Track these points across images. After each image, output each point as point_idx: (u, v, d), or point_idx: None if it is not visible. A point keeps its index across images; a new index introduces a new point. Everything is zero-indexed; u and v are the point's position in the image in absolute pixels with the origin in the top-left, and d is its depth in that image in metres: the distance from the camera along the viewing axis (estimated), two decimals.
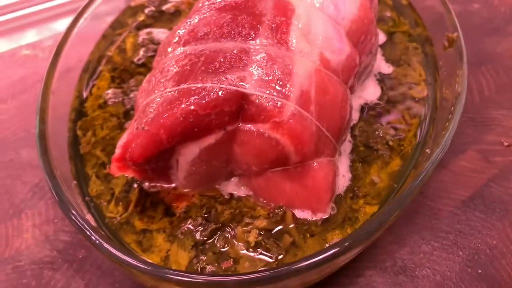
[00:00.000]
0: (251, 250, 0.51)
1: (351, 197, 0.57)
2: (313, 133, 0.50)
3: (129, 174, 0.53)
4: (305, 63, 0.52)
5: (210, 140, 0.50)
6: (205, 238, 0.52)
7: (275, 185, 0.53)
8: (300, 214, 0.54)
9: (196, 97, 0.48)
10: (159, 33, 0.80)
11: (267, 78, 0.50)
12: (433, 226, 0.64)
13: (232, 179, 0.57)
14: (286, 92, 0.49)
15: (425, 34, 0.78)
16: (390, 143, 0.62)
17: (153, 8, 0.84)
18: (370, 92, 0.69)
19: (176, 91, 0.49)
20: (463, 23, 0.84)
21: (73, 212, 0.48)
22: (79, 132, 0.65)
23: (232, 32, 0.53)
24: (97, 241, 0.45)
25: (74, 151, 0.63)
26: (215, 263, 0.51)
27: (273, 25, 0.54)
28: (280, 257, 0.51)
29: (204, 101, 0.48)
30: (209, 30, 0.54)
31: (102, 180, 0.60)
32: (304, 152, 0.50)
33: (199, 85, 0.49)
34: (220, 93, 0.48)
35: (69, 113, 0.68)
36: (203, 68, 0.50)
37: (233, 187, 0.57)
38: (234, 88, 0.49)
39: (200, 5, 0.60)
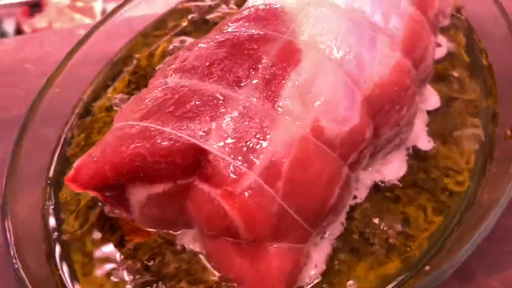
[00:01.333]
0: None
1: None
2: (272, 214, 0.42)
3: (91, 193, 0.50)
4: (289, 128, 0.44)
5: (158, 189, 0.44)
6: None
7: (225, 254, 0.46)
8: None
9: (149, 140, 0.42)
10: None
11: (235, 137, 0.43)
12: None
13: (191, 230, 0.51)
14: (251, 160, 0.42)
15: (494, 110, 0.64)
16: (391, 240, 0.51)
17: (197, 15, 0.80)
18: (393, 168, 0.57)
19: (135, 127, 0.44)
20: None
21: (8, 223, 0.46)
22: (75, 131, 0.64)
23: (220, 73, 0.47)
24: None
25: (62, 150, 0.62)
26: None
27: (267, 76, 0.46)
28: None
29: (155, 148, 0.42)
30: (199, 64, 0.48)
31: None
32: (256, 233, 0.42)
33: (158, 127, 0.43)
34: (175, 142, 0.42)
35: (74, 106, 0.67)
36: (171, 107, 0.45)
37: (190, 239, 0.51)
38: (193, 140, 0.42)
39: (214, 32, 0.55)
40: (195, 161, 0.43)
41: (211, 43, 0.50)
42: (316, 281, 0.48)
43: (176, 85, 0.47)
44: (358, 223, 0.53)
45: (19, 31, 1.79)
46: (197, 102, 0.44)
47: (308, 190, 0.44)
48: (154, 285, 0.48)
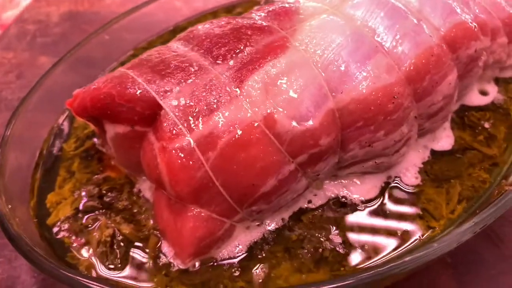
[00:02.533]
0: (99, 243, 0.51)
1: (230, 272, 0.50)
2: (195, 178, 0.45)
3: (89, 123, 0.59)
4: (241, 110, 0.47)
5: (119, 129, 0.50)
6: (85, 209, 0.55)
7: (159, 206, 0.51)
8: (166, 248, 0.51)
9: (121, 84, 0.49)
10: None
11: (189, 102, 0.47)
12: None
13: None
14: (193, 125, 0.46)
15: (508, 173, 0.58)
16: (325, 253, 0.51)
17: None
18: (362, 189, 0.56)
19: (121, 73, 0.51)
20: None
21: None
22: None
23: (208, 47, 0.51)
24: None
25: None
26: (73, 235, 0.53)
27: (246, 60, 0.49)
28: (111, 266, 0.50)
29: (122, 91, 0.48)
30: (198, 36, 0.53)
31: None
32: (177, 190, 0.46)
33: (134, 76, 0.49)
34: (139, 91, 0.48)
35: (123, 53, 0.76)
36: (154, 64, 0.50)
37: (146, 186, 0.56)
38: (153, 93, 0.47)
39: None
40: (152, 113, 0.48)
41: (220, 22, 0.54)
42: (231, 260, 0.50)
43: (170, 49, 0.53)
44: (301, 226, 0.53)
45: None
46: (175, 65, 0.49)
47: (239, 170, 0.46)
48: (96, 211, 0.54)
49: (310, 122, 0.48)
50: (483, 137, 0.63)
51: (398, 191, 0.57)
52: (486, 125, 0.64)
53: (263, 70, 0.48)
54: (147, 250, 0.51)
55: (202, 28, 0.54)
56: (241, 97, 0.47)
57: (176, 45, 0.54)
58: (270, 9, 0.56)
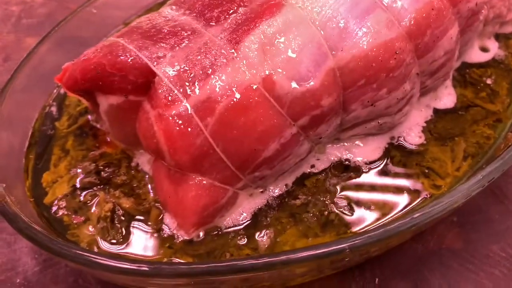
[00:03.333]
0: (99, 219, 0.50)
1: (236, 240, 0.49)
2: (194, 145, 0.44)
3: (80, 98, 0.57)
4: (238, 73, 0.45)
5: (113, 100, 0.49)
6: (82, 186, 0.53)
7: (158, 177, 0.50)
8: (168, 220, 0.49)
9: (112, 53, 0.47)
10: None
11: (184, 67, 0.45)
12: None
13: None
14: (189, 91, 0.44)
15: None
16: (331, 216, 0.50)
17: None
18: (366, 151, 0.55)
19: (110, 42, 0.49)
20: None
21: None
22: None
23: (200, 10, 0.49)
24: None
25: None
26: (72, 213, 0.51)
27: (240, 21, 0.47)
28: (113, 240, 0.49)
29: (113, 60, 0.46)
30: (190, 0, 0.51)
31: None
32: (176, 158, 0.45)
33: (124, 44, 0.47)
34: (131, 58, 0.46)
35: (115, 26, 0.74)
36: (145, 30, 0.48)
37: (145, 160, 0.55)
38: (145, 60, 0.46)
39: None
40: (146, 81, 0.46)
41: None
42: (236, 228, 0.49)
43: (161, 14, 0.50)
44: (305, 191, 0.52)
45: None
46: (167, 30, 0.47)
47: (240, 135, 0.45)
48: (94, 187, 0.53)
49: (311, 83, 0.46)
50: (486, 93, 0.62)
51: (402, 151, 0.56)
52: (488, 81, 0.63)
53: (259, 30, 0.47)
54: (149, 223, 0.50)
55: None
56: (238, 59, 0.45)
57: (167, 11, 0.52)
58: None
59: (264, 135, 0.45)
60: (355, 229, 0.50)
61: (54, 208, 0.52)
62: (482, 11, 0.58)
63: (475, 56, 0.65)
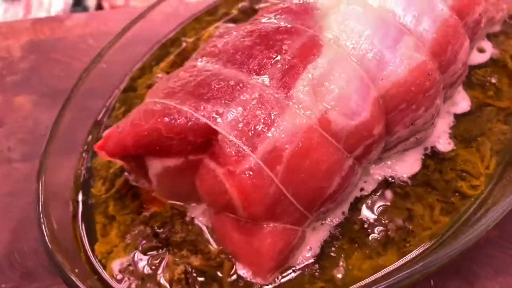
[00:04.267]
0: (172, 283, 0.50)
1: (310, 276, 0.50)
2: (267, 195, 0.45)
3: (118, 162, 0.56)
4: (296, 117, 0.46)
5: (171, 163, 0.49)
6: (144, 252, 0.53)
7: (225, 229, 0.50)
8: (241, 270, 0.50)
9: (166, 117, 0.47)
10: None
11: (244, 121, 0.46)
12: None
13: (202, 204, 0.55)
14: (255, 143, 0.45)
15: None
16: (390, 233, 0.53)
17: (246, 4, 0.83)
18: (406, 166, 0.58)
19: (158, 104, 0.49)
20: None
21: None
22: (117, 104, 0.70)
23: (242, 60, 0.50)
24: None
25: (102, 119, 0.68)
26: (141, 281, 0.51)
27: (285, 67, 0.48)
28: None
29: (170, 124, 0.46)
30: (225, 50, 0.52)
31: None
32: (251, 211, 0.45)
33: (177, 106, 0.47)
34: (189, 120, 0.46)
35: (121, 81, 0.73)
36: (192, 89, 0.49)
37: (199, 213, 0.55)
38: (205, 120, 0.46)
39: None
40: (206, 140, 0.47)
41: (241, 32, 0.53)
42: (307, 262, 0.51)
43: (201, 69, 0.51)
44: (360, 214, 0.55)
45: (99, 7, 1.90)
46: (216, 86, 0.48)
47: (307, 177, 0.46)
48: (159, 250, 0.53)
49: (362, 115, 0.48)
50: (493, 92, 0.67)
51: (435, 159, 0.59)
52: (493, 80, 0.68)
53: (306, 73, 0.48)
54: (222, 277, 0.50)
55: (226, 40, 0.53)
56: (292, 104, 0.47)
57: (203, 64, 0.52)
58: (286, 9, 0.56)
59: (328, 173, 0.47)
60: (414, 241, 0.52)
61: (120, 280, 0.51)
62: (483, 19, 0.63)
63: (475, 58, 0.70)
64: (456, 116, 0.64)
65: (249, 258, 0.49)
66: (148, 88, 0.72)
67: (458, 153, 0.60)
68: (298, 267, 0.51)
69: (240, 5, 0.84)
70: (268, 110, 0.46)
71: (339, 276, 0.50)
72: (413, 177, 0.58)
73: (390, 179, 0.57)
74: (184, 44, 0.79)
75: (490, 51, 0.71)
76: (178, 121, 0.46)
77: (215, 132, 0.46)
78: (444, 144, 0.60)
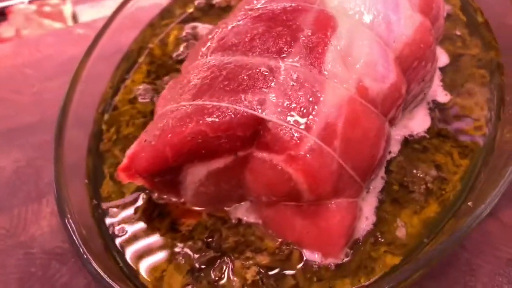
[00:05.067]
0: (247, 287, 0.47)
1: (372, 243, 0.51)
2: (332, 172, 0.44)
3: (138, 182, 0.51)
4: (337, 91, 0.46)
5: (219, 163, 0.46)
6: (202, 266, 0.49)
7: (285, 219, 0.48)
8: (309, 255, 0.49)
9: (208, 117, 0.44)
10: (204, 28, 0.77)
11: (289, 104, 0.45)
12: (467, 284, 0.56)
13: (243, 203, 0.53)
14: (308, 123, 0.44)
15: (497, 61, 0.68)
16: (429, 185, 0.55)
17: (203, 1, 0.81)
18: (418, 122, 0.61)
19: (190, 107, 0.45)
20: None
21: (69, 220, 0.46)
22: (104, 127, 0.64)
23: (263, 46, 0.48)
24: (85, 257, 0.43)
25: (94, 146, 0.62)
26: None
27: (309, 44, 0.48)
28: None
29: (215, 123, 0.44)
30: (239, 40, 0.50)
31: (115, 182, 0.58)
32: (319, 192, 0.44)
33: (214, 104, 0.44)
34: (234, 115, 0.44)
35: (98, 103, 0.67)
36: (222, 84, 0.46)
37: (243, 212, 0.53)
38: (251, 111, 0.44)
39: (238, 11, 0.56)
40: (254, 131, 0.45)
41: (247, 19, 0.51)
42: (368, 231, 0.51)
43: (221, 63, 0.48)
44: (396, 175, 0.56)
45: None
46: (246, 76, 0.46)
47: (360, 147, 0.46)
48: (220, 260, 0.49)
49: (390, 77, 0.50)
50: (460, 42, 0.72)
51: (440, 111, 0.63)
52: (457, 32, 0.73)
53: (332, 46, 0.48)
54: (294, 268, 0.49)
55: (234, 30, 0.51)
56: (328, 79, 0.47)
57: (219, 58, 0.50)
58: None
59: (376, 139, 0.48)
60: (449, 187, 0.55)
61: None
62: None
63: None
64: (440, 69, 0.68)
65: (318, 240, 0.48)
66: (130, 103, 0.67)
67: (455, 101, 0.64)
68: (361, 238, 0.51)
69: (196, 2, 0.81)
70: (308, 88, 0.45)
71: (400, 235, 0.51)
72: (427, 131, 0.60)
73: (408, 137, 0.60)
74: (147, 52, 0.74)
75: (445, 7, 0.77)
76: (223, 118, 0.44)
77: (262, 122, 0.44)
78: (442, 95, 0.64)
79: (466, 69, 0.68)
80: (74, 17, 1.54)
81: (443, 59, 0.69)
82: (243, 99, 0.44)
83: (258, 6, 0.53)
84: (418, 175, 0.56)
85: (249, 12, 0.52)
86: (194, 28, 0.76)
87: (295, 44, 0.48)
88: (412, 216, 0.53)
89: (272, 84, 0.45)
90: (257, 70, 0.46)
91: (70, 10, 1.93)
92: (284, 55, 0.47)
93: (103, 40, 0.69)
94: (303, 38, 0.48)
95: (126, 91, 0.69)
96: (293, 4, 0.51)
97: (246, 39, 0.49)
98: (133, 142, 0.60)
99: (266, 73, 0.46)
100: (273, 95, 0.45)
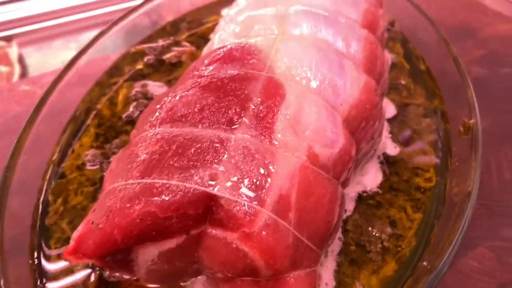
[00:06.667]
0: None
1: None
2: (289, 246, 0.44)
3: (88, 261, 0.48)
4: (289, 160, 0.46)
5: (171, 244, 0.44)
6: None
7: None
8: None
9: (157, 197, 0.42)
10: (155, 86, 0.75)
11: (242, 178, 0.44)
12: None
13: (200, 276, 0.51)
14: (262, 197, 0.43)
15: (442, 109, 0.71)
16: (385, 243, 0.55)
17: (152, 57, 0.80)
18: (371, 177, 0.62)
19: (138, 186, 0.44)
20: (488, 90, 0.77)
21: None
22: (50, 197, 0.61)
23: (212, 117, 0.48)
24: None
25: (39, 219, 0.58)
26: None
27: (259, 113, 0.48)
28: None
29: (165, 203, 0.42)
30: (188, 111, 0.49)
31: (63, 259, 0.54)
32: (276, 267, 0.43)
33: (163, 182, 0.43)
34: (184, 194, 0.42)
35: (45, 169, 0.64)
36: (172, 159, 0.45)
37: (200, 286, 0.51)
38: (202, 188, 0.43)
39: (188, 76, 0.55)
40: (205, 208, 0.43)
41: (195, 88, 0.50)
42: None
43: (170, 135, 0.47)
44: (353, 235, 0.56)
45: None
46: (196, 150, 0.45)
47: (315, 215, 0.46)
48: None
49: (340, 141, 0.50)
50: (406, 92, 0.75)
51: (390, 164, 0.64)
52: (402, 81, 0.76)
53: (281, 115, 0.48)
54: None
55: (183, 100, 0.50)
56: (279, 148, 0.46)
57: (167, 130, 0.48)
58: (227, 56, 0.55)
59: (330, 205, 0.48)
60: (405, 243, 0.56)
61: None
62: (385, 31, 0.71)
63: None
64: (388, 120, 0.70)
65: None
66: (79, 170, 0.64)
67: (405, 153, 0.66)
68: None
69: (146, 58, 0.80)
70: (259, 160, 0.45)
71: None
72: (380, 186, 0.61)
73: (362, 193, 0.60)
74: (95, 113, 0.72)
75: (389, 56, 0.80)
76: (173, 197, 0.42)
77: (215, 198, 0.43)
78: (391, 148, 0.66)
79: (413, 119, 0.70)
80: (21, 60, 1.49)
81: (390, 109, 0.71)
82: (193, 175, 0.43)
83: (207, 73, 0.53)
84: (374, 233, 0.56)
85: (198, 80, 0.52)
86: (144, 86, 0.74)
87: (245, 114, 0.48)
88: (370, 276, 0.53)
89: (224, 157, 0.45)
90: (207, 143, 0.45)
91: (16, 53, 1.86)
92: (235, 126, 0.47)
93: (51, 99, 0.66)
94: (253, 107, 0.48)
95: (74, 156, 0.66)
96: (241, 72, 0.51)
97: (196, 110, 0.48)
98: (81, 214, 0.58)
99: (217, 146, 0.45)
100: (225, 169, 0.44)
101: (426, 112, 0.72)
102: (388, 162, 0.64)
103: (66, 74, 0.68)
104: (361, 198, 0.60)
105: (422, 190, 0.61)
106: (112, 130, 0.68)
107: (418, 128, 0.69)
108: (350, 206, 0.58)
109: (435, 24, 0.77)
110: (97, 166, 0.63)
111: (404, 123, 0.70)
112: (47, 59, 1.13)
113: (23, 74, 1.06)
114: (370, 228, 0.57)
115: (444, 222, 0.57)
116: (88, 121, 0.70)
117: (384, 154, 0.65)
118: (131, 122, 0.69)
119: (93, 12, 1.11)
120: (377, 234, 0.56)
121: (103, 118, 0.71)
